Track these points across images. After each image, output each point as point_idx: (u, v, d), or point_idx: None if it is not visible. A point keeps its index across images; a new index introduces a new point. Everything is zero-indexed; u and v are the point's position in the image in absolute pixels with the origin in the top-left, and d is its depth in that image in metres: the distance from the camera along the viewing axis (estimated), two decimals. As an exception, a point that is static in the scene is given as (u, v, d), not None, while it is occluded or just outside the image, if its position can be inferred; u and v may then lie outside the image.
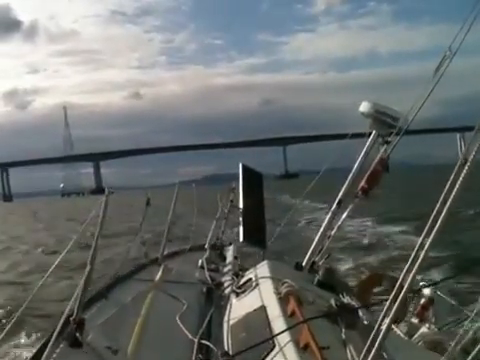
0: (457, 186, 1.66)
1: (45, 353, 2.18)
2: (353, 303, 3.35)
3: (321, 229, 4.39)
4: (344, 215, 4.35)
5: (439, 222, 1.66)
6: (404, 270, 1.74)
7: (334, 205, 4.39)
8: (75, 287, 2.42)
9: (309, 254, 4.25)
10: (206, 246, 5.20)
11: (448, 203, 1.65)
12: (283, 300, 2.75)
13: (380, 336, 1.70)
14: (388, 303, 1.73)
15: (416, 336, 4.06)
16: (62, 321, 2.31)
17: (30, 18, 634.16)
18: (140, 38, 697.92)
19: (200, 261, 4.55)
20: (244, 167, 5.18)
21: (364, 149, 4.43)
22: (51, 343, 2.23)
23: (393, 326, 4.16)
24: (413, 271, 1.70)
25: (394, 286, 1.75)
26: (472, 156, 1.68)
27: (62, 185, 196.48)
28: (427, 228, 1.69)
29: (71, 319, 2.32)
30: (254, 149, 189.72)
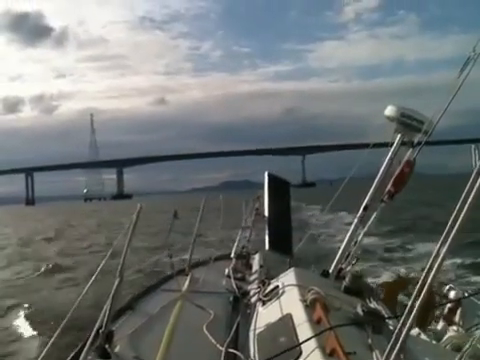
0: (474, 190, 1.69)
1: None
2: (380, 308, 3.34)
3: (348, 235, 4.36)
4: (371, 220, 4.29)
5: (455, 228, 1.68)
6: (422, 276, 1.76)
7: (360, 210, 4.35)
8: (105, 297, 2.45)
9: (336, 261, 4.23)
10: (232, 255, 5.19)
11: (465, 209, 1.68)
12: (309, 307, 2.73)
13: (400, 340, 1.72)
14: (408, 307, 1.76)
15: (444, 339, 4.02)
16: (93, 333, 2.35)
17: (61, 24, 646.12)
18: (167, 44, 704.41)
19: (226, 270, 4.56)
20: (270, 175, 5.16)
21: (389, 153, 4.39)
22: (82, 355, 2.27)
23: (420, 331, 4.13)
24: (430, 277, 1.73)
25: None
26: None
27: (86, 190, 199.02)
28: (444, 234, 1.72)
29: (100, 331, 2.36)
30: (271, 157, 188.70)
